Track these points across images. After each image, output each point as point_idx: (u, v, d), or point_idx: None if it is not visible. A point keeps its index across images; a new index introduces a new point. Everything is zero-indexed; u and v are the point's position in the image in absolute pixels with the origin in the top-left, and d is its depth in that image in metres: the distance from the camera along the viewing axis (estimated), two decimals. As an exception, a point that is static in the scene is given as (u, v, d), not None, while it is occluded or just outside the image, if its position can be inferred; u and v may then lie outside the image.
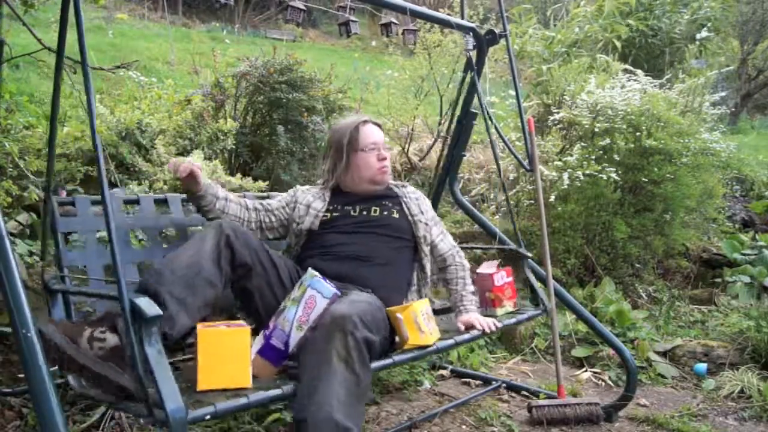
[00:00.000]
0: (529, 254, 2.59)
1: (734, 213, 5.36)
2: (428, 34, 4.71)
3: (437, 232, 2.25)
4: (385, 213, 2.13)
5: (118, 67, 2.60)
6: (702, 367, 3.04)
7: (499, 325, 2.16)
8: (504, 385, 2.76)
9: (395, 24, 2.67)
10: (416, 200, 2.23)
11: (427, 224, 2.19)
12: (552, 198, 3.74)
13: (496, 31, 2.60)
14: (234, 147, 3.23)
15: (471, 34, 2.60)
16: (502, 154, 3.95)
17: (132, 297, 1.26)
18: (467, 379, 2.88)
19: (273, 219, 2.14)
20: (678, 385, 2.98)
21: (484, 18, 5.52)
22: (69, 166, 2.52)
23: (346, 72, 5.84)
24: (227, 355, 1.47)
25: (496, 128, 2.59)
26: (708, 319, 3.74)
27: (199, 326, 1.50)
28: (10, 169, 2.24)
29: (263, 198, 2.33)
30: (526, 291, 2.62)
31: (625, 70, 4.77)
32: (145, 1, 9.32)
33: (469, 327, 2.10)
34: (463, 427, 2.39)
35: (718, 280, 4.26)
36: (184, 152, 2.98)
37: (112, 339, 1.44)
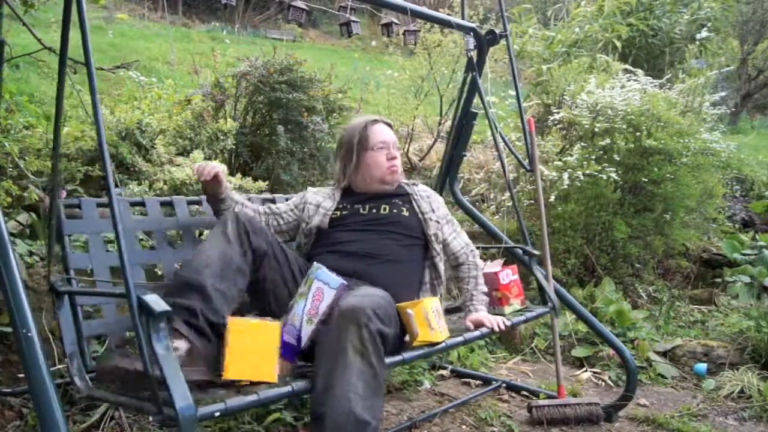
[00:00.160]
0: (537, 252, 2.59)
1: (734, 213, 5.35)
2: (428, 34, 4.71)
3: (450, 230, 2.23)
4: (395, 211, 2.12)
5: (118, 67, 2.61)
6: (702, 367, 3.04)
7: (509, 323, 2.13)
8: (504, 385, 2.76)
9: (396, 24, 2.66)
10: (427, 198, 2.22)
11: (438, 222, 2.17)
12: (552, 198, 3.74)
13: (497, 31, 2.60)
14: (234, 147, 3.23)
15: (471, 34, 2.60)
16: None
17: (139, 294, 1.24)
18: (467, 379, 2.88)
19: (282, 222, 2.16)
20: (678, 385, 2.98)
21: (484, 18, 5.53)
22: (69, 166, 2.52)
23: (346, 72, 5.84)
24: (256, 348, 1.47)
25: (496, 128, 2.58)
26: (708, 319, 3.73)
27: (230, 317, 1.51)
28: (10, 169, 2.23)
29: (271, 201, 2.34)
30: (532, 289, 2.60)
31: (625, 70, 4.77)
32: (145, 1, 9.32)
33: (479, 325, 2.07)
34: (463, 427, 2.38)
35: (718, 280, 4.26)
36: (183, 152, 2.98)
37: (182, 345, 1.48)
